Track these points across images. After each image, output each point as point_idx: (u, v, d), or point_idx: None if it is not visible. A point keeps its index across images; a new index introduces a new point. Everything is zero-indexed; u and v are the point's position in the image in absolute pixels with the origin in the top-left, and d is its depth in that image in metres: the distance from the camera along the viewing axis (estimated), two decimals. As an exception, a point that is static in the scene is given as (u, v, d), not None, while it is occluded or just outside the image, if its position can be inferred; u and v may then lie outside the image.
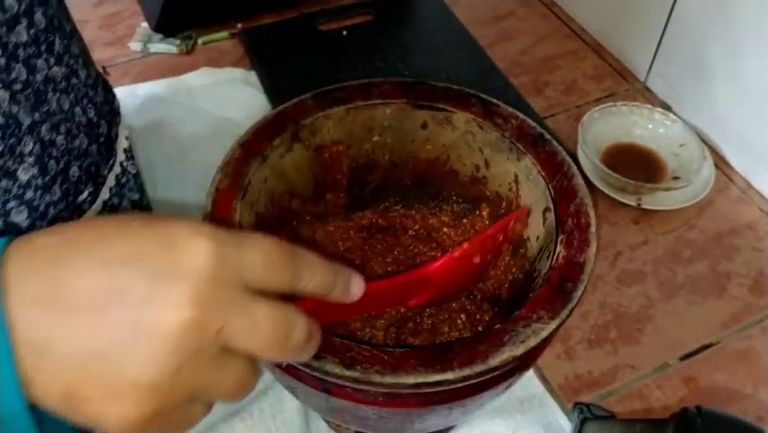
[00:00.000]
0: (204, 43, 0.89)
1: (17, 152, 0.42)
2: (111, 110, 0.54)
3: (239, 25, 0.90)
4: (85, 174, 0.48)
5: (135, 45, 0.88)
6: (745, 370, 0.58)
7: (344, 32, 0.88)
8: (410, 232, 0.55)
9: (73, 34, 0.49)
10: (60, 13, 0.47)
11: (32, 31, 0.42)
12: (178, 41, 0.88)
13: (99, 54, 0.88)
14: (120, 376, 0.26)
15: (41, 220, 0.45)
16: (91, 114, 0.49)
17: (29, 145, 0.42)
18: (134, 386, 0.26)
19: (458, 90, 0.50)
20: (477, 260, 0.46)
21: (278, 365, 0.38)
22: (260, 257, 0.29)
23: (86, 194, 0.49)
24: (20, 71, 0.41)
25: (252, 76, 0.83)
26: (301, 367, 0.36)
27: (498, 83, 0.82)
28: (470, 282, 0.49)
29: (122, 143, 0.56)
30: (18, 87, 0.41)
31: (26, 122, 0.42)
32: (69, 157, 0.46)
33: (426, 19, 0.93)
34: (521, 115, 0.49)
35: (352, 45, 0.86)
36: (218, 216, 0.42)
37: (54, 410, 0.26)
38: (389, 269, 0.52)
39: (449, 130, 0.50)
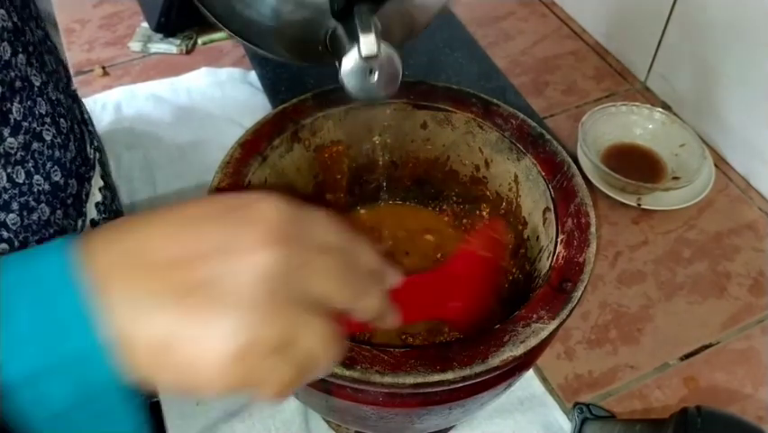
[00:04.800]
0: (204, 43, 0.89)
1: None
2: (84, 162, 0.48)
3: (239, 25, 0.90)
4: None
5: (135, 45, 0.88)
6: (745, 370, 0.58)
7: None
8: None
9: (46, 84, 0.43)
10: (29, 66, 0.41)
11: None
12: (178, 41, 0.88)
13: (99, 54, 0.88)
14: (214, 305, 0.25)
15: None
16: (56, 177, 0.44)
17: None
18: (233, 308, 0.25)
19: (458, 90, 0.50)
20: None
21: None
22: (324, 225, 0.29)
23: None
24: None
25: (252, 76, 0.83)
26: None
27: (498, 83, 0.82)
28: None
29: (94, 197, 0.51)
30: None
31: None
32: (26, 234, 0.42)
33: (426, 19, 0.93)
34: (521, 115, 0.49)
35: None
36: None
37: (138, 371, 0.25)
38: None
39: (449, 130, 0.50)
